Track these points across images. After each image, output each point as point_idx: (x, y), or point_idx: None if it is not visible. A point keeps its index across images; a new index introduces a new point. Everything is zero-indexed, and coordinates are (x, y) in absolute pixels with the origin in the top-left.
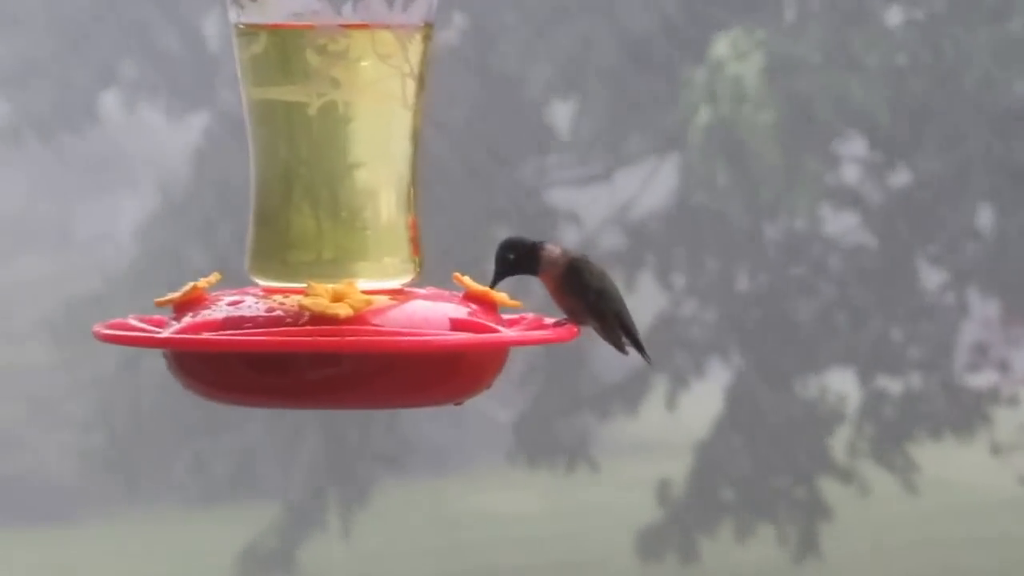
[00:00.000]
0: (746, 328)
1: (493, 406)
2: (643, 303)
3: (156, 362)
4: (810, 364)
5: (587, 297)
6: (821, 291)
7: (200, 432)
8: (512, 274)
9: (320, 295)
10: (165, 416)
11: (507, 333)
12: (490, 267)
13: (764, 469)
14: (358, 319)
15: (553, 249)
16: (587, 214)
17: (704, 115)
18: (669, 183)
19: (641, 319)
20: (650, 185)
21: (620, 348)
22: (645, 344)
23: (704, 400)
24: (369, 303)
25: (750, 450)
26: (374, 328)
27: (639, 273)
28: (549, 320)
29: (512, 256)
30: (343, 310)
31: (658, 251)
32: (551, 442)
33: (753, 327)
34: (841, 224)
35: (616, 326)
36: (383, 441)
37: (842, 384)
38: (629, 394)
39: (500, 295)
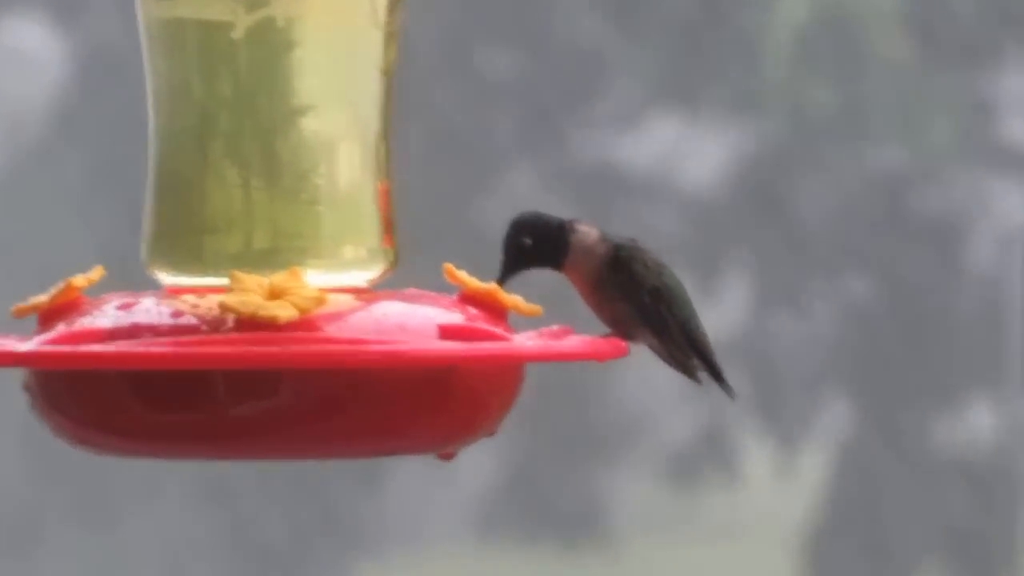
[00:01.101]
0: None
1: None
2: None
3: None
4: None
5: (639, 299)
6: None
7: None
8: (529, 266)
9: (251, 291)
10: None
11: (521, 343)
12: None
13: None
14: (305, 324)
15: (588, 232)
16: (637, 185)
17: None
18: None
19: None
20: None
21: (690, 373)
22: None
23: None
24: (322, 301)
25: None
26: (327, 336)
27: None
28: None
29: (529, 240)
30: (284, 311)
31: (730, 236)
32: (546, 509)
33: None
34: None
35: (683, 341)
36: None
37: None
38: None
39: (512, 297)
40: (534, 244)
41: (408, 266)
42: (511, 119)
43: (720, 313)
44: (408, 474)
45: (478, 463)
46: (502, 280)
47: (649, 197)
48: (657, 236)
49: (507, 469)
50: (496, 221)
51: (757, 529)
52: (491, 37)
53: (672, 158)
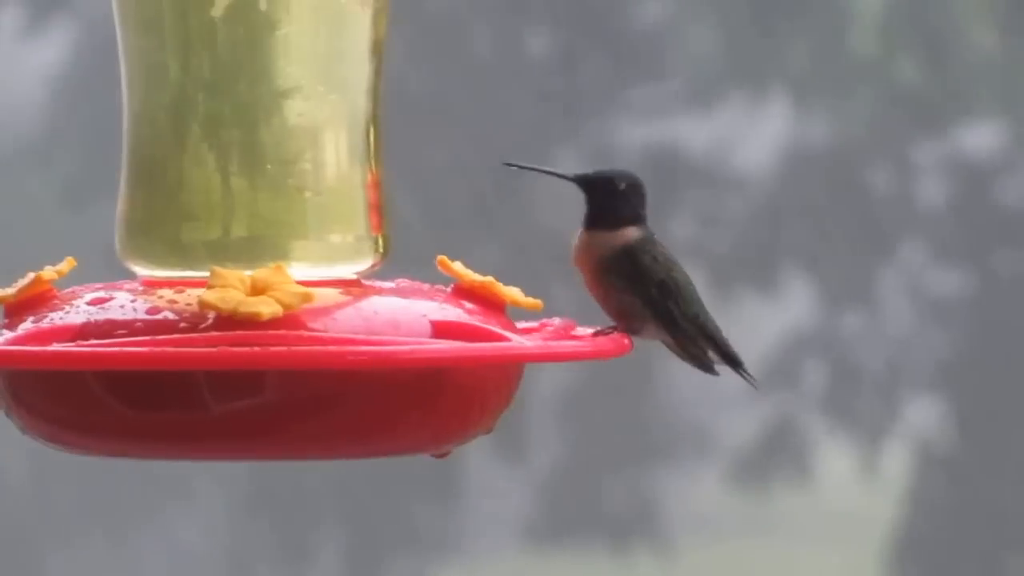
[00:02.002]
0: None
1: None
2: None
3: None
4: None
5: (647, 292)
6: None
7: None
8: (591, 196)
9: (231, 286)
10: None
11: (520, 342)
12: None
13: None
14: (289, 321)
15: (636, 230)
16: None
17: None
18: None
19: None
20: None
21: (707, 367)
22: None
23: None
24: (307, 298)
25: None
26: (313, 335)
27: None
28: (585, 330)
29: (623, 186)
30: (267, 308)
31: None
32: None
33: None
34: None
35: (695, 334)
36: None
37: None
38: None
39: (510, 290)
40: (622, 191)
41: (401, 257)
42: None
43: (786, 308)
44: (466, 480)
45: (531, 466)
46: (563, 176)
47: (712, 182)
48: (718, 224)
49: (560, 471)
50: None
51: (833, 531)
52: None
53: (737, 141)
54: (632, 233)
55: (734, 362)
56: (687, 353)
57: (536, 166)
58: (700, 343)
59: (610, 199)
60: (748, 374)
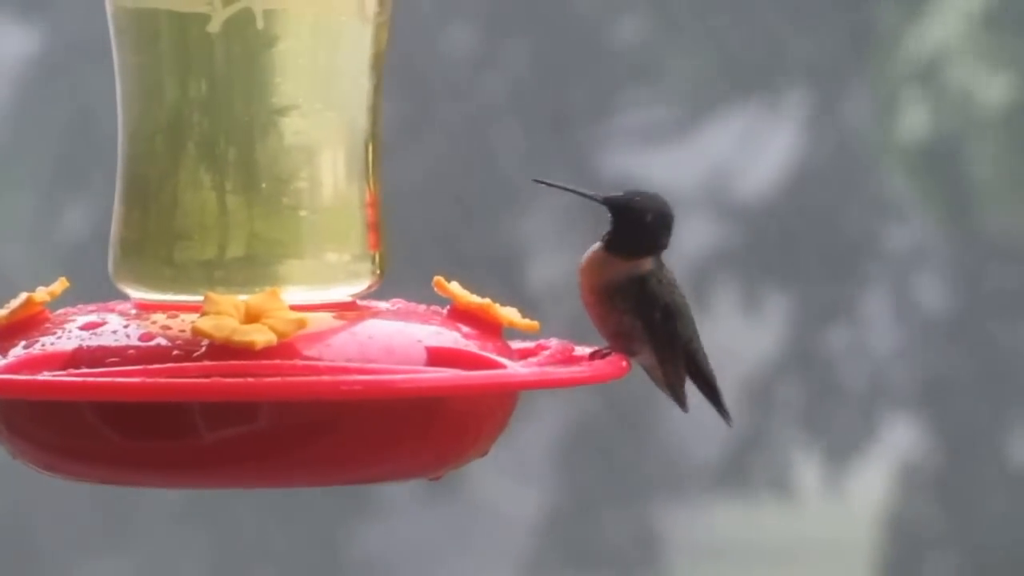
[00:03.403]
0: (935, 369)
1: (505, 488)
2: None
3: None
4: None
5: (650, 315)
6: None
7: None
8: (616, 225)
9: (225, 313)
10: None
11: (516, 369)
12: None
13: None
14: (284, 350)
15: (649, 261)
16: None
17: None
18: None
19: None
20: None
21: (679, 400)
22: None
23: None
24: (302, 325)
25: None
26: (308, 364)
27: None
28: (583, 350)
29: (650, 217)
30: (261, 336)
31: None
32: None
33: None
34: None
35: (682, 363)
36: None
37: None
38: (729, 469)
39: (507, 311)
40: (648, 223)
41: (396, 276)
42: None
43: (767, 326)
44: (460, 503)
45: (527, 494)
46: (590, 197)
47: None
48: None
49: (557, 502)
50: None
51: (817, 551)
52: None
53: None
54: (647, 264)
55: (715, 395)
56: (667, 379)
57: (564, 184)
58: (681, 372)
59: (635, 229)
60: (724, 410)
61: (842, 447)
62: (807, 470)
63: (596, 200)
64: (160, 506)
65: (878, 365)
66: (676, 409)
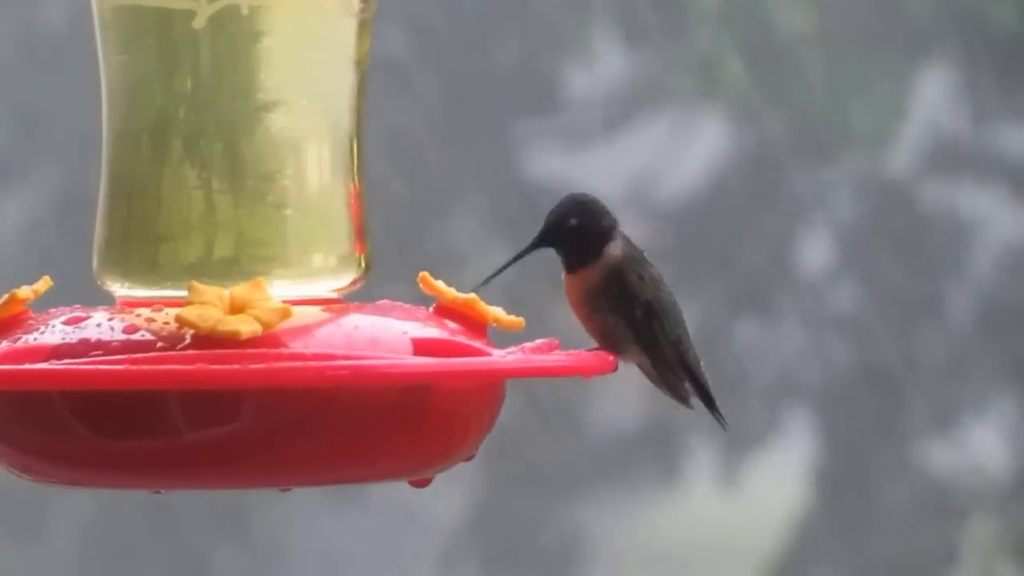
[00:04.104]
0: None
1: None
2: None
3: None
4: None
5: (631, 313)
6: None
7: None
8: (555, 245)
9: (210, 303)
10: None
11: (501, 356)
12: (482, 267)
13: None
14: (269, 340)
15: (617, 243)
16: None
17: None
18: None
19: None
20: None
21: (682, 399)
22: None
23: (777, 477)
24: (286, 315)
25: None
26: (293, 353)
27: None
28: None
29: (576, 222)
30: (246, 326)
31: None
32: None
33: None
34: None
35: (675, 362)
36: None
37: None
38: (650, 466)
39: (492, 309)
40: (578, 227)
41: (381, 274)
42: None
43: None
44: (379, 504)
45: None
46: (526, 252)
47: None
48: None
49: (477, 500)
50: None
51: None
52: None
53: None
54: (614, 250)
55: (708, 399)
56: (663, 380)
57: (504, 265)
58: (678, 371)
59: (573, 241)
60: (719, 414)
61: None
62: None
63: (532, 250)
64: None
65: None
66: (597, 408)
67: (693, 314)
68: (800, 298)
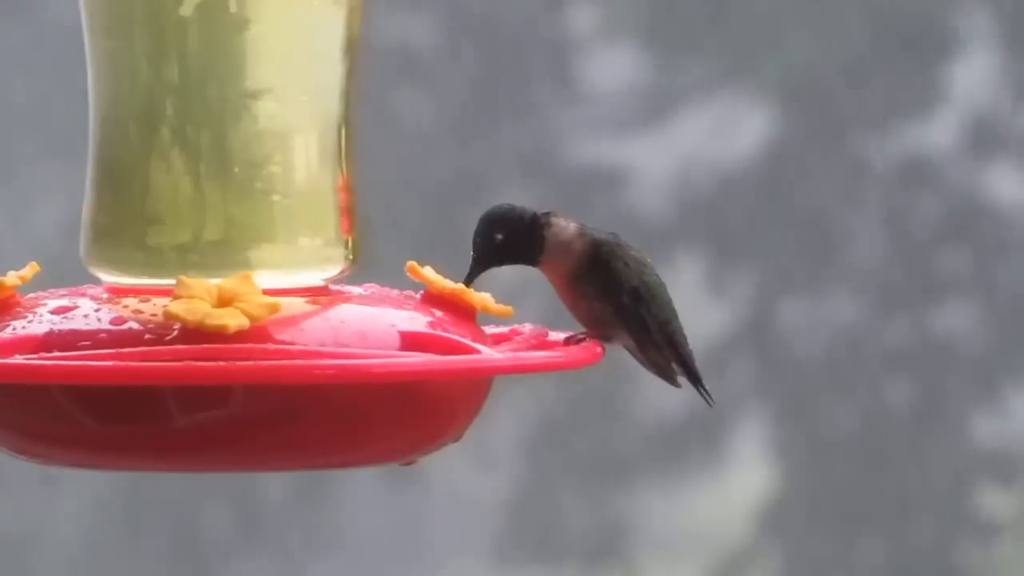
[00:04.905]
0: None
1: (468, 475)
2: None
3: None
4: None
5: (619, 299)
6: None
7: None
8: (500, 263)
9: (198, 297)
10: None
11: (490, 354)
12: (467, 253)
13: None
14: (256, 334)
15: (564, 225)
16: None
17: None
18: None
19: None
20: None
21: (669, 378)
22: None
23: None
24: (274, 309)
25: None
26: (281, 348)
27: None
28: (557, 335)
29: (501, 235)
30: (233, 320)
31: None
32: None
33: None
34: None
35: (663, 344)
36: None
37: None
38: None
39: (481, 296)
40: (506, 239)
41: (369, 261)
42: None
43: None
44: (425, 487)
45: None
46: (470, 279)
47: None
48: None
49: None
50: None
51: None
52: None
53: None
54: (563, 233)
55: (694, 377)
56: (650, 360)
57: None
58: (665, 352)
59: (509, 252)
60: (706, 391)
61: None
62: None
63: (475, 276)
64: None
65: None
66: (640, 395)
67: None
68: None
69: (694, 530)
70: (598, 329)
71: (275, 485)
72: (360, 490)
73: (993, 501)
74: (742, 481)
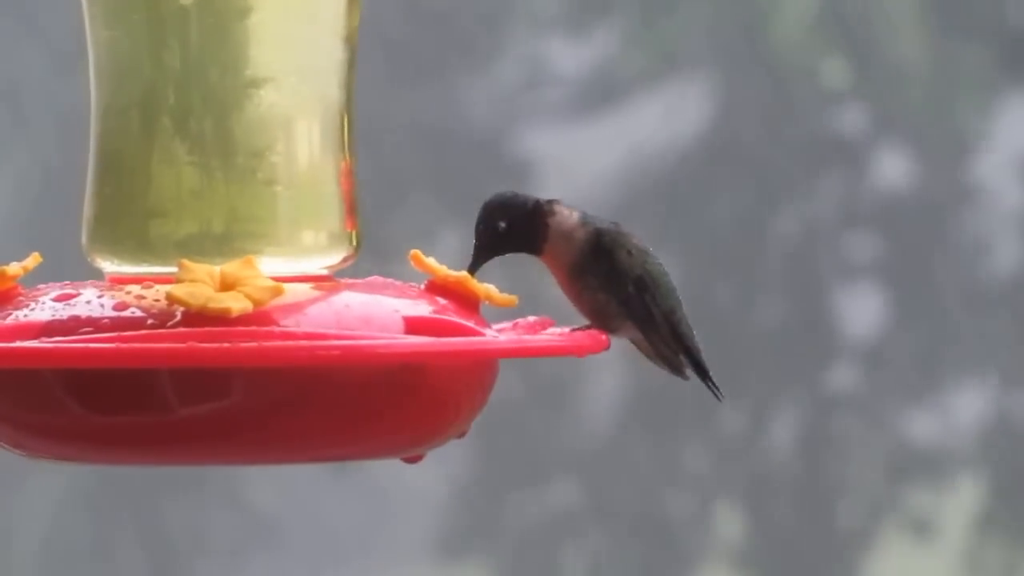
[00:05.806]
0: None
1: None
2: None
3: None
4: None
5: (623, 290)
6: None
7: None
8: (503, 251)
9: (200, 281)
10: None
11: (494, 336)
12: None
13: None
14: (259, 318)
15: (567, 214)
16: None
17: None
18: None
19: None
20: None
21: (678, 370)
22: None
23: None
24: (277, 292)
25: None
26: (283, 330)
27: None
28: (560, 328)
29: (504, 223)
30: (236, 303)
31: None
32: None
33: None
34: None
35: (668, 335)
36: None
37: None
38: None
39: (484, 286)
40: (509, 227)
41: (372, 251)
42: None
43: None
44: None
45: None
46: (474, 267)
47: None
48: None
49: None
50: None
51: None
52: None
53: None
54: (566, 222)
55: (701, 370)
56: (657, 353)
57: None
58: (672, 343)
59: (512, 240)
60: (714, 384)
61: None
62: None
63: (479, 266)
64: None
65: None
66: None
67: None
68: None
69: None
70: (603, 322)
71: (227, 482)
72: (302, 485)
73: None
74: None
